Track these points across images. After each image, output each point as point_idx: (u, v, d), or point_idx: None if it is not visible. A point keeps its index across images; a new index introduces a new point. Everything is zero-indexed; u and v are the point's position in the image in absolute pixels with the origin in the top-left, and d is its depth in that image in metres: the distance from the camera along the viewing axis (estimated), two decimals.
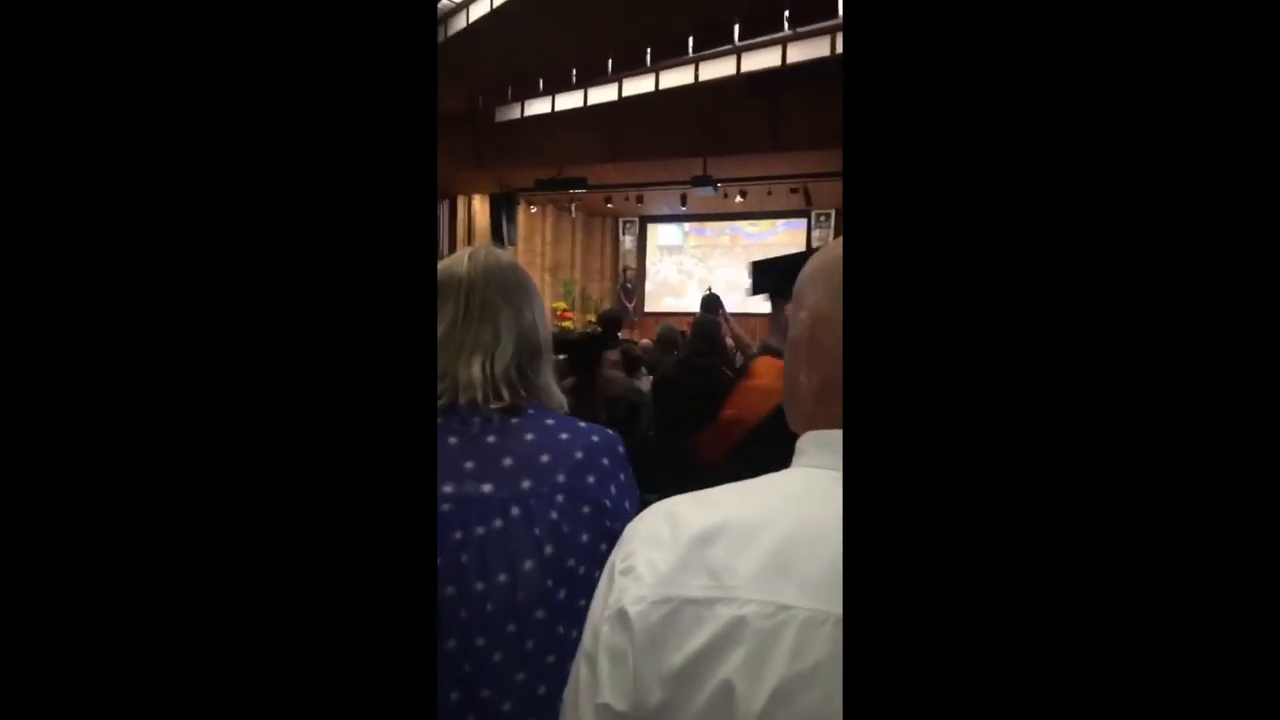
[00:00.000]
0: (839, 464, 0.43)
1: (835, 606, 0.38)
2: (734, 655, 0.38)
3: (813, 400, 0.48)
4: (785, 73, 6.39)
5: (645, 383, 3.25)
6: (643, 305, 11.01)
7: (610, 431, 0.77)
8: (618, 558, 0.45)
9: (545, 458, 0.70)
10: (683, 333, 3.83)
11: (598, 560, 0.70)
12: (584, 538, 0.70)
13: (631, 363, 3.51)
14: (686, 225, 10.25)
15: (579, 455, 0.71)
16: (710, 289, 9.45)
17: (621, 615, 0.41)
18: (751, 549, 0.41)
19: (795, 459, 0.48)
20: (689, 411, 2.53)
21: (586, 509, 0.70)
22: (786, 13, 5.55)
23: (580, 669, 0.43)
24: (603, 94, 7.13)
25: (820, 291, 0.48)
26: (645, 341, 4.39)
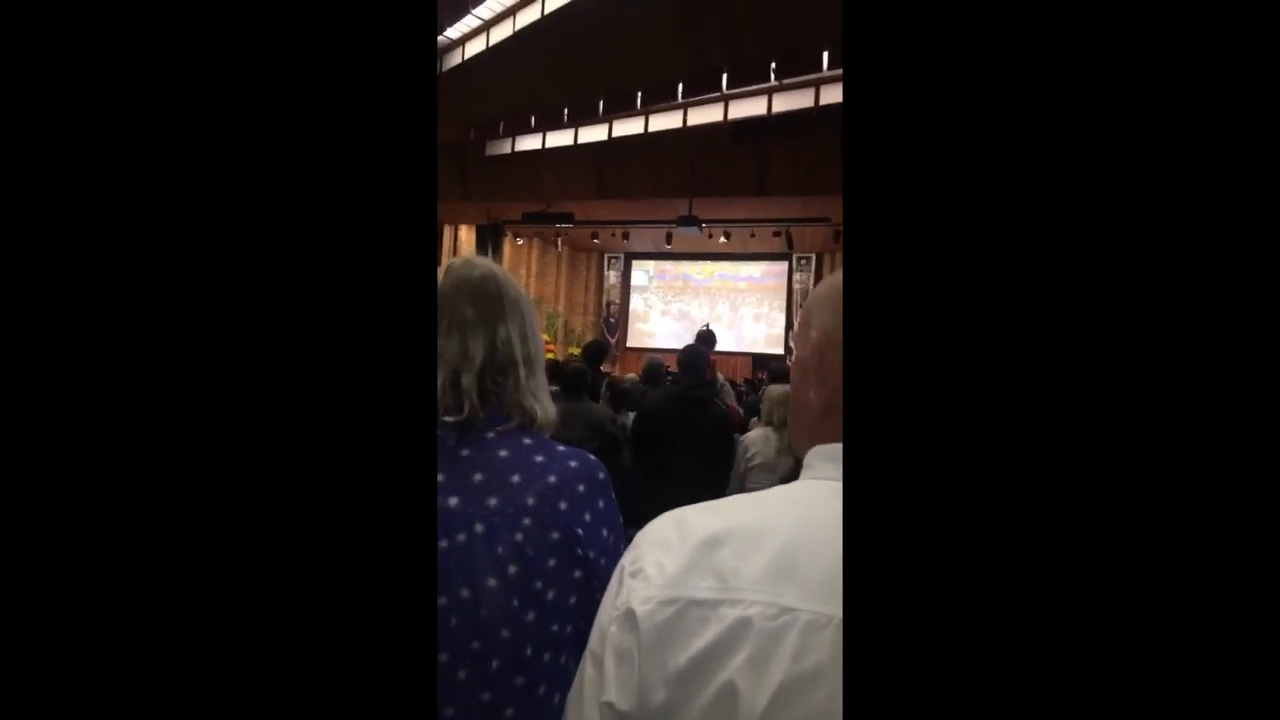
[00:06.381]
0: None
1: (836, 610, 0.38)
2: (738, 655, 0.39)
3: (819, 416, 0.49)
4: (771, 121, 6.59)
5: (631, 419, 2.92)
6: (625, 340, 11.12)
7: (592, 458, 0.75)
8: (627, 561, 0.45)
9: (516, 477, 0.69)
10: (669, 368, 3.72)
11: (571, 587, 0.68)
12: (551, 563, 0.67)
13: (619, 397, 3.26)
14: (651, 269, 11.73)
15: (552, 479, 0.69)
16: (707, 325, 9.50)
17: (629, 615, 0.42)
18: (757, 553, 0.41)
19: (803, 473, 0.48)
20: (679, 446, 2.40)
21: (555, 535, 0.68)
22: (773, 65, 5.75)
23: (586, 668, 0.44)
24: (593, 134, 7.27)
25: (828, 313, 0.50)
26: (631, 376, 4.33)
